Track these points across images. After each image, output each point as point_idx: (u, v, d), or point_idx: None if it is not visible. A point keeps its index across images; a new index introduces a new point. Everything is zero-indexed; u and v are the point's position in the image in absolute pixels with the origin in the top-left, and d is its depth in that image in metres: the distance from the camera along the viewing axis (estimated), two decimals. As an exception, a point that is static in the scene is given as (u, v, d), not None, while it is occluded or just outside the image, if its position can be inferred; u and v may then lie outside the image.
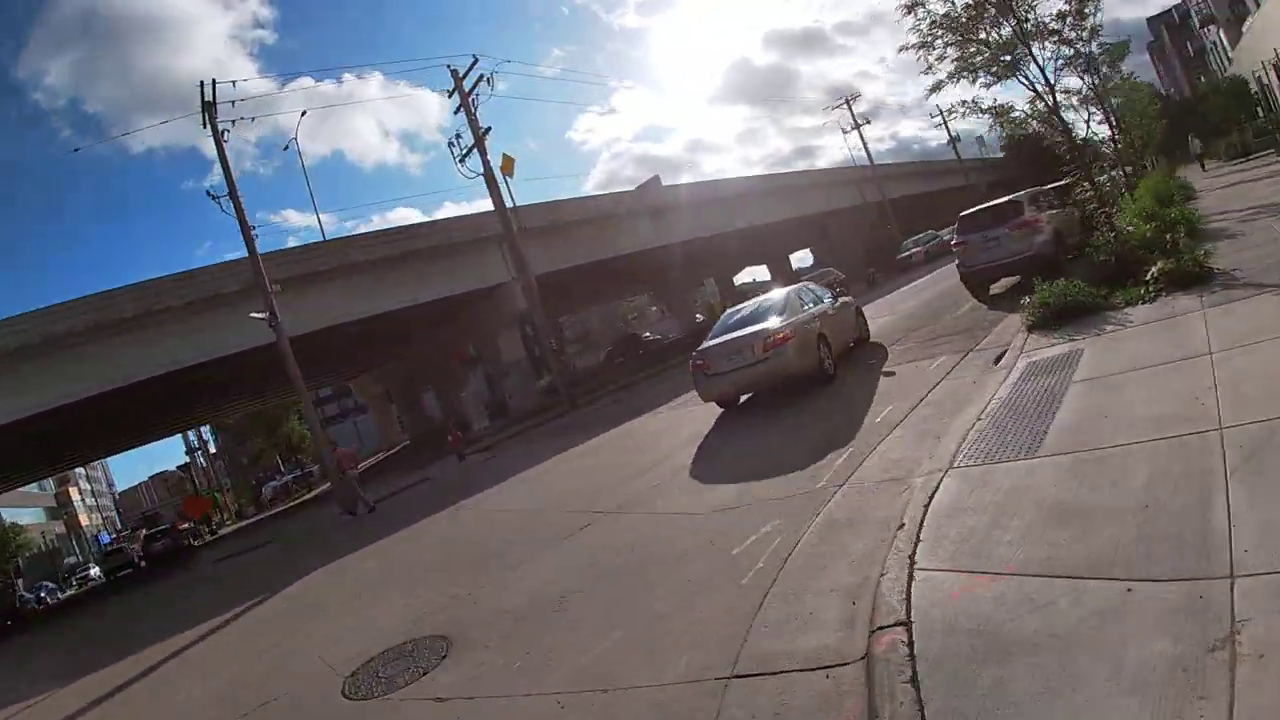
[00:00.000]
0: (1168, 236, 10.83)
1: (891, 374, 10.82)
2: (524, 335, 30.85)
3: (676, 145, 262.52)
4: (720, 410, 12.63)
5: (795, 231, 55.10)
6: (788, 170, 52.28)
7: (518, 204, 30.62)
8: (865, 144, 50.14)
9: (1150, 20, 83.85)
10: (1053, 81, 13.88)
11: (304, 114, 38.28)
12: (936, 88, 13.88)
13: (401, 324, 33.88)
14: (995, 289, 15.37)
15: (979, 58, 13.06)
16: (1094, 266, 10.99)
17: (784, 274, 63.10)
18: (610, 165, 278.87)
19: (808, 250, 71.66)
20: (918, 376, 9.86)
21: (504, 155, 28.13)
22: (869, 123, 48.19)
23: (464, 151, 26.47)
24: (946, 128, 63.80)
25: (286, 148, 44.20)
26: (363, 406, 73.62)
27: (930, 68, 13.71)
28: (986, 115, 14.97)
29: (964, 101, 14.45)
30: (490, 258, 30.24)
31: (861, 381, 11.04)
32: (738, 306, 13.67)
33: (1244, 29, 36.48)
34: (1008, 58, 13.00)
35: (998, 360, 9.19)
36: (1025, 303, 10.05)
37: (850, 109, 49.15)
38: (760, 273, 75.24)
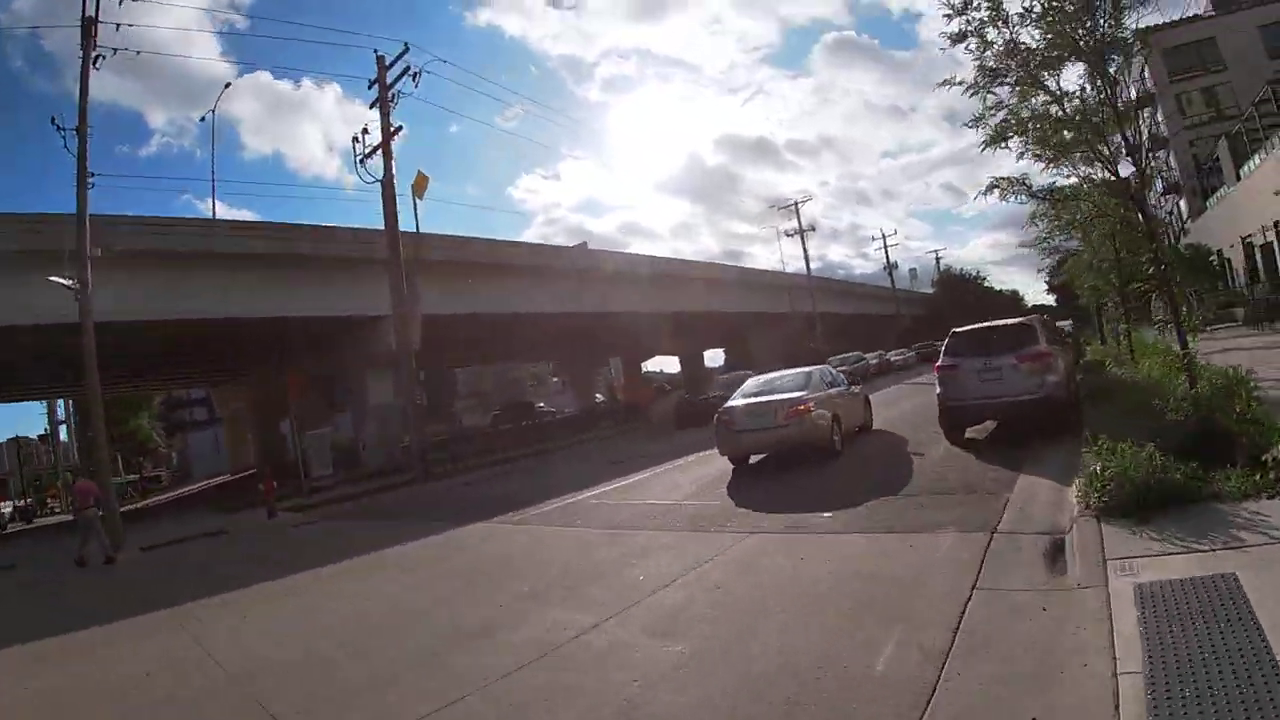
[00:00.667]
0: (1236, 404, 7.77)
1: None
2: (398, 379, 26.44)
3: (612, 224, 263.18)
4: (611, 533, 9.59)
5: (716, 327, 52.55)
6: (722, 263, 48.58)
7: (425, 232, 26.85)
8: (806, 250, 47.74)
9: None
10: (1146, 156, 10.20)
11: (227, 86, 34.12)
12: (995, 139, 9.75)
13: (266, 336, 29.14)
14: (971, 432, 12.22)
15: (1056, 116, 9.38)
16: (1157, 426, 7.68)
17: (695, 368, 60.39)
18: (544, 229, 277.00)
19: (721, 351, 70.10)
20: (924, 569, 6.01)
21: (419, 172, 24.50)
22: (814, 230, 46.26)
23: (367, 151, 22.55)
24: (886, 253, 63.16)
25: (203, 119, 39.22)
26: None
27: (981, 119, 9.80)
28: (1034, 200, 11.22)
29: (1002, 181, 10.37)
30: (382, 283, 26.13)
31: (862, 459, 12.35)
32: (763, 376, 15.18)
33: (1209, 203, 35.86)
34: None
35: (1052, 557, 5.73)
36: (1093, 472, 6.59)
37: (798, 212, 47.13)
38: (669, 363, 72.82)
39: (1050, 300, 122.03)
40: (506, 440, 33.06)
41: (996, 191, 10.32)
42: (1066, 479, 7.94)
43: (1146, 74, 47.40)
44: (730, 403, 13.53)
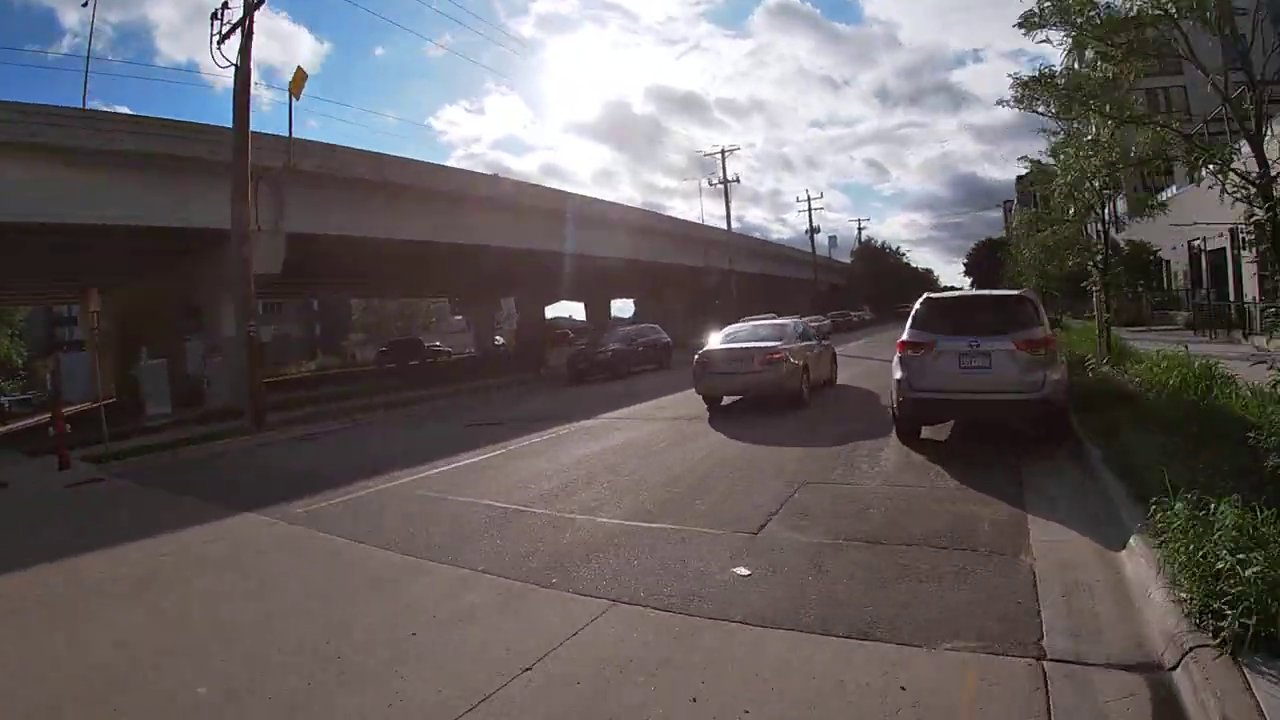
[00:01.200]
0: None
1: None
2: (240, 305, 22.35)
3: (532, 164, 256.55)
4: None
5: (629, 276, 49.71)
6: (641, 208, 45.57)
7: (300, 138, 23.05)
8: (728, 202, 44.61)
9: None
10: None
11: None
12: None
13: (122, 249, 24.89)
14: (929, 431, 9.71)
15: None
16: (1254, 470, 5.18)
17: (602, 318, 57.49)
18: (462, 164, 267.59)
19: (631, 301, 67.33)
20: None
21: (298, 69, 20.86)
22: (738, 180, 43.45)
23: (228, 28, 18.58)
24: (810, 215, 61.08)
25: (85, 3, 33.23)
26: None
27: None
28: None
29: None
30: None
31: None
32: (739, 325, 16.08)
33: (1153, 201, 34.41)
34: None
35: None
36: (1203, 565, 3.89)
37: (724, 161, 44.24)
38: (576, 309, 69.66)
39: (965, 282, 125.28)
40: (385, 381, 29.70)
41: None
42: (1102, 533, 5.46)
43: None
44: (709, 346, 14.47)
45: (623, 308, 65.26)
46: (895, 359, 9.37)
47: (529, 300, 61.56)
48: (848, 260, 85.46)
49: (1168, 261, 30.31)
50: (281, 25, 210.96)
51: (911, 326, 9.33)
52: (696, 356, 14.39)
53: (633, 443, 11.32)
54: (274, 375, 46.98)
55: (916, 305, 9.60)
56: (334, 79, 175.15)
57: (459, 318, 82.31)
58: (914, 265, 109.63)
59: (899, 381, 9.16)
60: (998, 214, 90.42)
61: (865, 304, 71.43)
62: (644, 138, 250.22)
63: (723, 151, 43.96)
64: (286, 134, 22.66)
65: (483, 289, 57.14)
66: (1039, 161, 18.40)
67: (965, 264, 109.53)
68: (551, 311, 64.60)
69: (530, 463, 10.44)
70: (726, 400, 14.46)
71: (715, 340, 14.85)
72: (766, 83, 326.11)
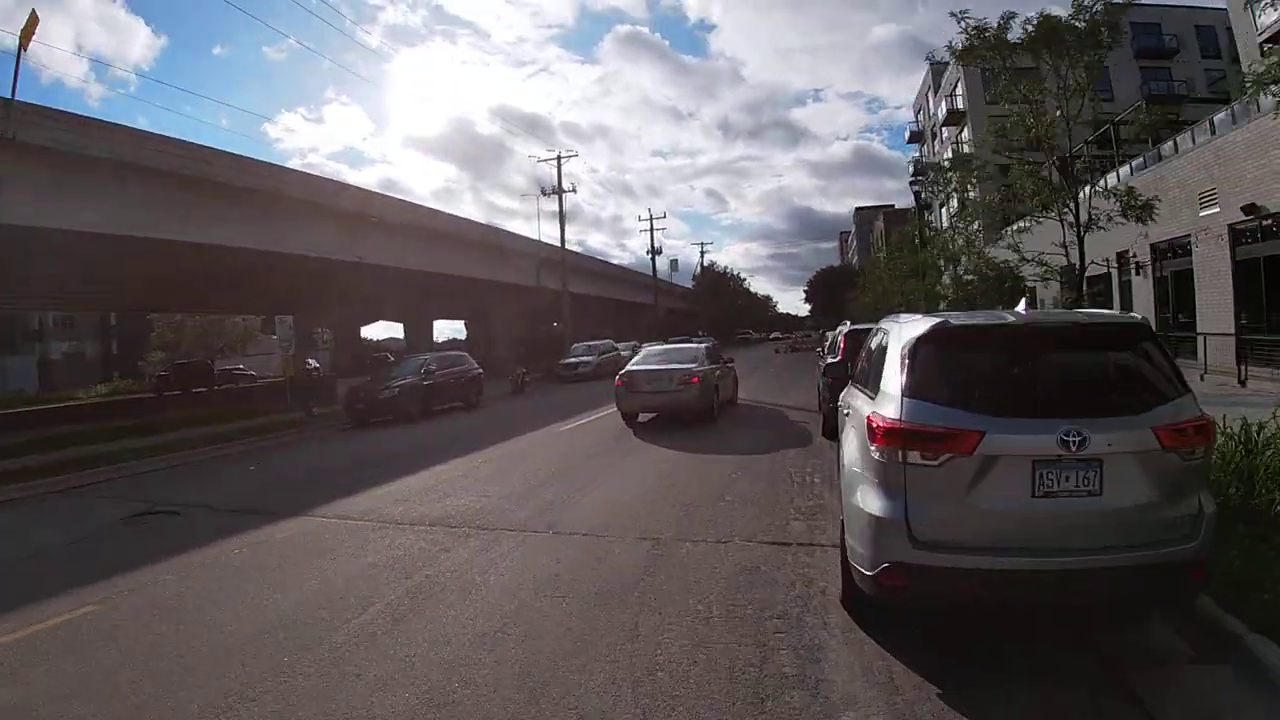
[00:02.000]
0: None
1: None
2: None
3: (371, 177, 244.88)
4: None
5: (455, 294, 44.82)
6: (470, 218, 40.63)
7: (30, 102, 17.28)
8: (562, 213, 39.84)
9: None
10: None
11: None
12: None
13: None
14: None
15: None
16: None
17: (422, 340, 52.17)
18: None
19: (462, 324, 62.10)
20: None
21: (32, 13, 17.22)
22: (574, 190, 39.53)
23: None
24: (651, 234, 57.97)
25: None
26: None
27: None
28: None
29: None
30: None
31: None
32: (655, 347, 18.33)
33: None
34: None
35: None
36: None
37: (559, 167, 39.92)
38: (396, 330, 63.71)
39: (805, 310, 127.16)
40: (125, 420, 23.65)
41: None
42: None
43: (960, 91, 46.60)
44: (630, 368, 15.90)
45: (444, 329, 60.21)
46: (858, 464, 4.65)
47: (343, 319, 55.49)
48: (689, 285, 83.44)
49: (1032, 288, 28.42)
50: (118, 14, 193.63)
51: (910, 389, 4.24)
52: (618, 377, 15.88)
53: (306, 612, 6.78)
54: (51, 401, 39.49)
55: (909, 338, 4.51)
56: (168, 75, 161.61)
57: (279, 337, 73.74)
58: (754, 292, 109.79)
59: (875, 523, 4.15)
60: (830, 245, 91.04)
61: (705, 329, 69.22)
62: (488, 157, 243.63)
63: (558, 157, 39.77)
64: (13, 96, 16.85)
65: (288, 306, 50.69)
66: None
67: (806, 291, 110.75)
68: (369, 332, 58.68)
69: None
70: (643, 417, 15.65)
71: (634, 362, 16.52)
72: (612, 110, 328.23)
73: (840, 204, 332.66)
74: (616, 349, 36.25)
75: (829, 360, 13.05)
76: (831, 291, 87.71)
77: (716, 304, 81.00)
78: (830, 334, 19.56)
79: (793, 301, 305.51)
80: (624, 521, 7.56)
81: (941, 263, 26.48)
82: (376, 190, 33.29)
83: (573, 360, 32.35)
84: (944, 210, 53.20)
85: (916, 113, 62.55)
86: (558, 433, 15.32)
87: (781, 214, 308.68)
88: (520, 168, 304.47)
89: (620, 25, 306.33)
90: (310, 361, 60.52)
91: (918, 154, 62.50)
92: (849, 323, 15.24)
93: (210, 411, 24.39)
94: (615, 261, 64.31)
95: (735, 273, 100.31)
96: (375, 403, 19.23)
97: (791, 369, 31.50)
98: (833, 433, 8.69)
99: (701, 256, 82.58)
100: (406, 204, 34.44)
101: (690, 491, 8.85)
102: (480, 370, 23.26)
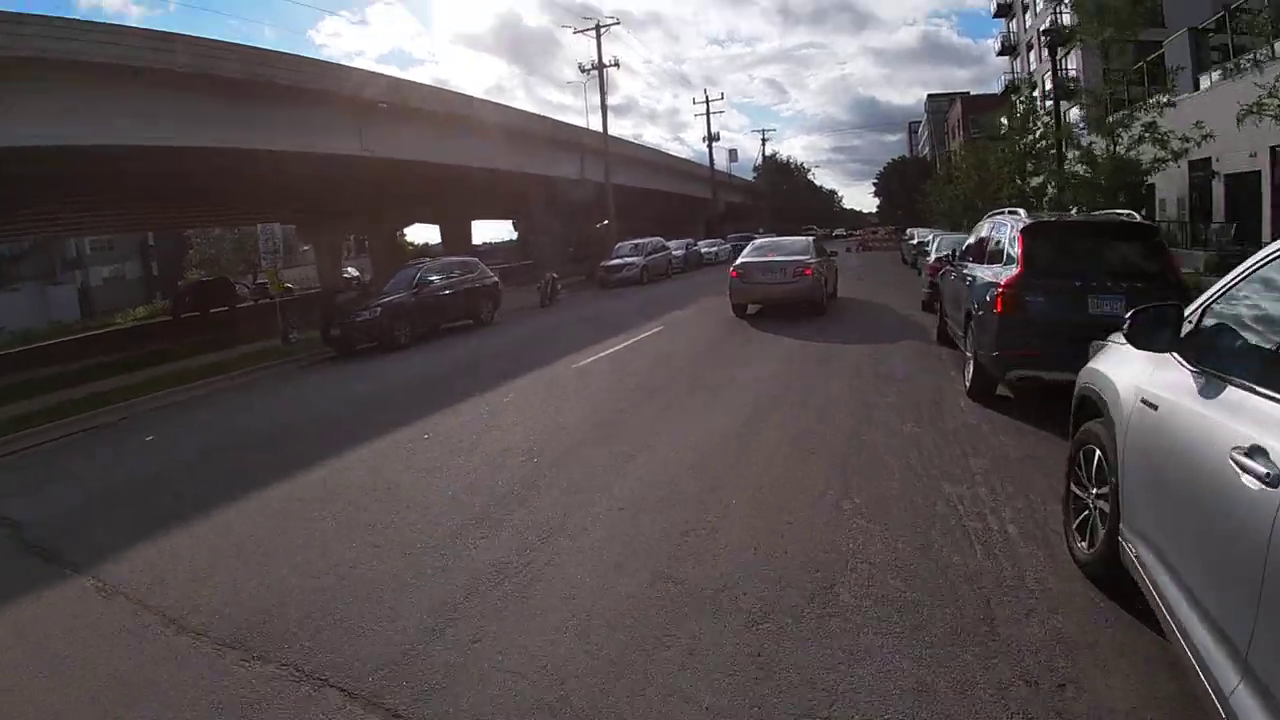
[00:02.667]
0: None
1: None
2: None
3: (420, 78, 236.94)
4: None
5: (494, 190, 40.71)
6: (496, 102, 35.87)
7: None
8: (604, 90, 34.48)
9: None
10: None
11: None
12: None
13: None
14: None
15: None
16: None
17: (459, 242, 48.36)
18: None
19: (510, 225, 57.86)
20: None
21: None
22: (616, 64, 34.17)
23: None
24: (708, 118, 52.31)
25: None
26: None
27: None
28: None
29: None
30: None
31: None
32: (763, 240, 18.39)
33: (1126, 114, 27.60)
34: None
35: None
36: None
37: (599, 38, 34.43)
38: (431, 233, 59.74)
39: (874, 205, 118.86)
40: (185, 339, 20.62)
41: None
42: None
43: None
44: (743, 259, 15.79)
45: (483, 230, 56.16)
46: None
47: (372, 225, 51.74)
48: (748, 179, 77.40)
49: (1153, 186, 23.03)
50: None
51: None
52: (733, 269, 15.67)
53: None
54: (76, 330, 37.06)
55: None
56: None
57: (307, 248, 70.53)
58: (818, 185, 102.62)
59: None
60: (896, 138, 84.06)
61: (766, 225, 64.18)
62: (538, 51, 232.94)
63: (597, 26, 34.15)
64: None
65: (322, 212, 47.28)
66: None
67: (875, 185, 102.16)
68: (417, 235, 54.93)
69: None
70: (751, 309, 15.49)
71: (746, 254, 16.13)
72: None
73: (907, 94, 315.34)
74: (667, 248, 31.63)
75: (989, 275, 7.57)
76: (903, 185, 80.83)
77: (779, 197, 75.22)
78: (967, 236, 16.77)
79: (857, 196, 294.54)
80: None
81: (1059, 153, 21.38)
82: (399, 76, 28.45)
83: (615, 262, 27.83)
84: (1040, 93, 46.64)
85: None
86: (571, 370, 11.06)
87: (845, 105, 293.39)
88: (571, 59, 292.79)
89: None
90: (349, 270, 57.21)
91: (1005, 30, 55.30)
92: (1017, 214, 9.89)
93: (203, 339, 20.97)
94: (674, 154, 58.78)
95: (801, 163, 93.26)
96: (352, 327, 15.32)
97: (872, 270, 26.97)
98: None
99: (763, 145, 76.69)
100: (430, 88, 29.94)
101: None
102: (495, 280, 19.04)
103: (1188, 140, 14.65)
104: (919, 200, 57.97)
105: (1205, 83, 21.28)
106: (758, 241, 17.78)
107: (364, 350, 15.32)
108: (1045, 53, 44.16)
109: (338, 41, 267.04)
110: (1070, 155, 18.30)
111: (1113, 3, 15.91)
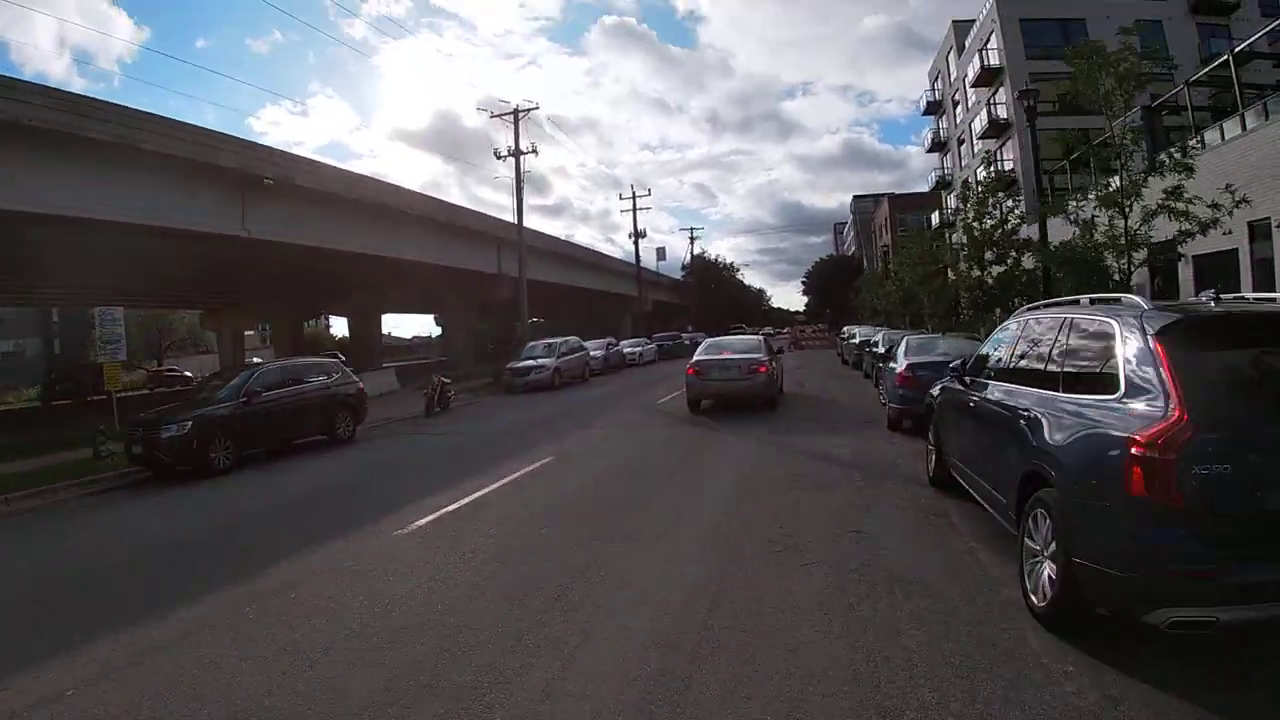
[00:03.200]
0: None
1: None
2: None
3: (359, 170, 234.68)
4: None
5: (402, 280, 37.50)
6: (415, 190, 32.63)
7: None
8: (520, 182, 31.13)
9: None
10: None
11: None
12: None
13: None
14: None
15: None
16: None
17: (369, 337, 44.86)
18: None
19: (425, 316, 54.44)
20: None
21: None
22: (535, 152, 31.21)
23: None
24: (634, 217, 50.19)
25: None
26: None
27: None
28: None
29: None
30: None
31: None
32: (716, 339, 18.88)
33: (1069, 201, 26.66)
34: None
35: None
36: None
37: (516, 123, 31.39)
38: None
39: (800, 303, 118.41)
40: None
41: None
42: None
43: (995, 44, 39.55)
44: (699, 357, 16.27)
45: (398, 323, 52.82)
46: None
47: (279, 314, 47.99)
48: (677, 277, 75.48)
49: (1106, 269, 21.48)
50: (98, 5, 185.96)
51: None
52: (690, 367, 16.09)
53: None
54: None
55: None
56: (151, 67, 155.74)
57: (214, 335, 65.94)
58: (747, 284, 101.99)
59: None
60: (820, 240, 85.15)
61: (694, 324, 62.13)
62: (475, 150, 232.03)
63: (515, 111, 31.29)
64: None
65: (222, 298, 43.73)
66: None
67: (804, 283, 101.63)
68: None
69: None
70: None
71: (701, 353, 16.66)
72: (601, 102, 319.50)
73: (830, 198, 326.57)
74: (584, 349, 28.47)
75: (1085, 415, 3.93)
76: (832, 282, 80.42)
77: (708, 295, 73.28)
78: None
79: (784, 295, 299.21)
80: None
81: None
82: (287, 150, 25.19)
83: (523, 364, 24.34)
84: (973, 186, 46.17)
85: (933, 80, 55.03)
86: (396, 540, 7.17)
87: (771, 208, 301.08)
88: (508, 160, 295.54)
89: (607, 16, 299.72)
90: (184, 375, 52.54)
91: (934, 127, 55.41)
92: (1121, 302, 5.92)
93: (17, 442, 16.79)
94: (599, 250, 56.35)
95: (730, 262, 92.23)
96: (155, 444, 11.60)
97: (815, 374, 24.30)
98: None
99: (691, 243, 74.15)
100: (326, 167, 26.77)
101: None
102: (357, 386, 15.58)
103: (1218, 207, 12.13)
104: (853, 297, 56.98)
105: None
106: (709, 341, 18.48)
107: (186, 472, 11.61)
108: (978, 145, 44.11)
109: (277, 130, 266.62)
110: (1072, 234, 15.87)
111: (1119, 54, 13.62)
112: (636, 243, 51.70)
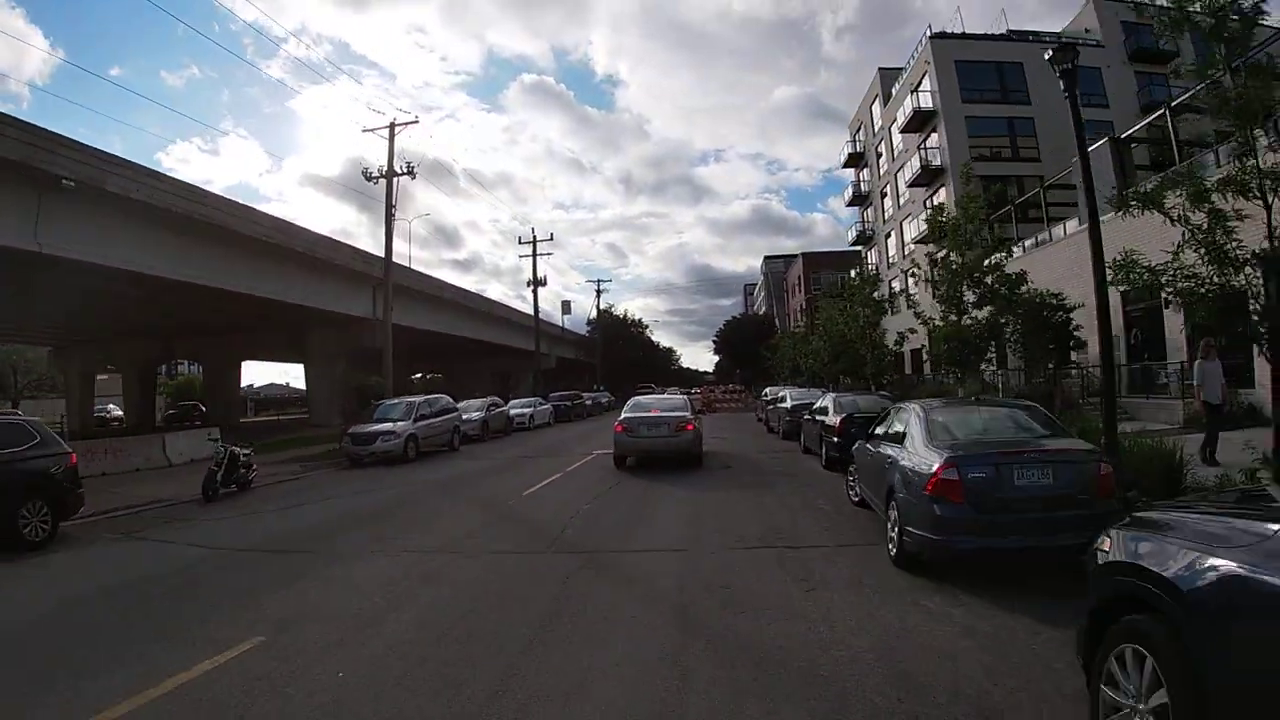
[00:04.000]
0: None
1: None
2: None
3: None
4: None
5: (257, 320, 32.38)
6: (252, 206, 27.70)
7: None
8: (391, 208, 25.77)
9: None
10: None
11: None
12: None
13: None
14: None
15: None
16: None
17: (223, 387, 39.22)
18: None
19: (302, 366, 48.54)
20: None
21: None
22: (413, 174, 25.98)
23: None
24: (534, 256, 45.53)
25: None
26: None
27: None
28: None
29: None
30: None
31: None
32: (641, 398, 18.92)
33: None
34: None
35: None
36: None
37: (392, 137, 26.40)
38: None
39: (708, 363, 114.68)
40: None
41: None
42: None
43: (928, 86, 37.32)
44: (628, 415, 16.38)
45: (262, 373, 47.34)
46: None
47: (129, 354, 41.83)
48: (585, 332, 71.23)
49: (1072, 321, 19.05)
50: (14, 22, 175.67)
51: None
52: (618, 424, 16.15)
53: None
54: None
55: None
56: (64, 89, 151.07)
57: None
58: (656, 342, 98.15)
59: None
60: (729, 302, 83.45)
61: (600, 385, 57.99)
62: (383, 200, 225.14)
63: (391, 126, 26.38)
64: None
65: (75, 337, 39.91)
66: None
67: (715, 343, 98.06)
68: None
69: None
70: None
71: (629, 411, 16.70)
72: (517, 159, 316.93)
73: (739, 261, 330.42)
74: (454, 410, 23.53)
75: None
76: (744, 341, 77.53)
77: (615, 351, 69.01)
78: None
79: (693, 355, 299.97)
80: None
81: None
82: (97, 148, 19.90)
83: (370, 429, 19.40)
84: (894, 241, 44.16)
85: (854, 133, 53.17)
86: None
87: (681, 270, 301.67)
88: (420, 211, 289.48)
89: (526, 74, 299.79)
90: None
91: (855, 180, 53.59)
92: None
93: None
94: (491, 298, 51.18)
95: (638, 318, 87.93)
96: None
97: (738, 444, 20.52)
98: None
99: (597, 296, 68.78)
100: (146, 171, 21.59)
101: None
102: (63, 459, 10.59)
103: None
104: (768, 356, 54.17)
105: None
106: (634, 400, 18.19)
107: None
108: (905, 195, 41.88)
109: (185, 167, 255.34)
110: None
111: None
112: (536, 292, 46.76)
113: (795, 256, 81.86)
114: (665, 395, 20.50)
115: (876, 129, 47.67)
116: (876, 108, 47.20)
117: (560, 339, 62.48)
